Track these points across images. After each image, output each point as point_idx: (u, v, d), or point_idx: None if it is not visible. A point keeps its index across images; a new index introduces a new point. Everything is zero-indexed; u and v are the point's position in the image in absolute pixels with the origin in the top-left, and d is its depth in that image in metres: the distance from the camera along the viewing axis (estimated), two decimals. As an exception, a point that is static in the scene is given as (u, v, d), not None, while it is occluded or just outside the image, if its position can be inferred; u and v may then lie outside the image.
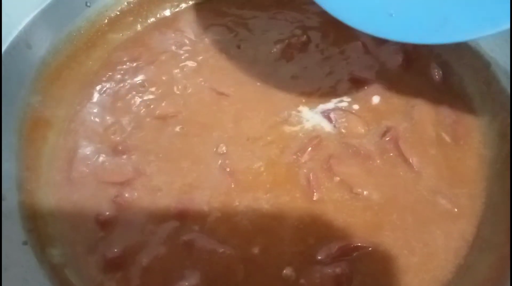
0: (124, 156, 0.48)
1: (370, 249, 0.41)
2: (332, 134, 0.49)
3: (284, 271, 0.40)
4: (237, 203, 0.44)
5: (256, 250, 0.41)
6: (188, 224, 0.43)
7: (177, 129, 0.50)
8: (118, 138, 0.50)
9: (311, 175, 0.45)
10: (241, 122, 0.50)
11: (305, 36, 0.58)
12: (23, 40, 0.51)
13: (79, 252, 0.43)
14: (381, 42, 0.56)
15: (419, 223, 0.42)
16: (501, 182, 0.44)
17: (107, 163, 0.48)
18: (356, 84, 0.53)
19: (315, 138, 0.48)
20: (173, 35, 0.61)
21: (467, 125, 0.49)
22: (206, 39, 0.60)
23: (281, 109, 0.51)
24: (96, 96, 0.55)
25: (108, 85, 0.56)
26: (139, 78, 0.56)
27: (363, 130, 0.49)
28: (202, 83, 0.54)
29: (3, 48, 0.49)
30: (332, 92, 0.52)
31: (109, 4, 0.60)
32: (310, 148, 0.47)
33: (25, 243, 0.42)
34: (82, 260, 0.43)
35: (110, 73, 0.57)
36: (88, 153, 0.49)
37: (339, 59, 0.56)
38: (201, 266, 0.41)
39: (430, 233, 0.42)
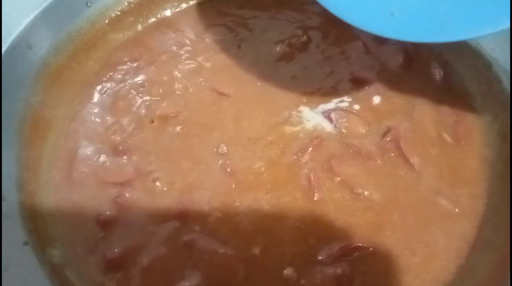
0: (125, 156, 0.48)
1: (371, 249, 0.41)
2: (333, 134, 0.49)
3: (285, 271, 0.40)
4: (237, 204, 0.44)
5: (256, 251, 0.41)
6: (188, 225, 0.43)
7: (178, 129, 0.50)
8: (118, 138, 0.50)
9: (311, 176, 0.45)
10: (241, 122, 0.50)
11: (305, 36, 0.58)
12: (24, 40, 0.51)
13: (80, 253, 0.43)
14: (382, 42, 0.56)
15: (420, 223, 0.42)
16: (502, 182, 0.44)
17: (107, 163, 0.48)
18: (357, 84, 0.53)
19: (316, 138, 0.48)
20: (173, 35, 0.61)
21: (468, 125, 0.49)
22: (206, 39, 0.60)
23: (282, 109, 0.51)
24: (96, 96, 0.55)
25: (108, 85, 0.56)
26: (139, 78, 0.56)
27: (364, 130, 0.48)
28: (203, 83, 0.54)
29: (4, 48, 0.49)
30: (332, 92, 0.52)
31: (110, 4, 0.60)
32: (310, 148, 0.47)
33: (25, 243, 0.42)
34: (83, 260, 0.43)
35: (111, 73, 0.57)
36: (88, 153, 0.49)
37: (340, 59, 0.56)
38: (202, 266, 0.41)
39: (431, 233, 0.42)
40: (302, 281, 0.40)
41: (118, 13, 0.61)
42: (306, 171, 0.46)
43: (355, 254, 0.41)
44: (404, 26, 0.43)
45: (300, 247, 0.41)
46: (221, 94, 0.53)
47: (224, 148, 0.48)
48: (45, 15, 0.53)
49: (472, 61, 0.51)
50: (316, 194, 0.44)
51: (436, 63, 0.53)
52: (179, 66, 0.57)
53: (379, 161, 0.46)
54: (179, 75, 0.56)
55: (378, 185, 0.44)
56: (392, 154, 0.47)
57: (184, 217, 0.44)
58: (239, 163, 0.47)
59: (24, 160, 0.48)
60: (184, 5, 0.65)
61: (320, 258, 0.41)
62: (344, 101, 0.51)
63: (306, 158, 0.46)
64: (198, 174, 0.47)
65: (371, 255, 0.41)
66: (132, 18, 0.62)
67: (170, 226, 0.43)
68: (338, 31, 0.57)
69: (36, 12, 0.52)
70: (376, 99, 0.51)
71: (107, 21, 0.60)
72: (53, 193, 0.47)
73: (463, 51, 0.51)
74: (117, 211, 0.45)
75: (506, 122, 0.46)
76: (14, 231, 0.43)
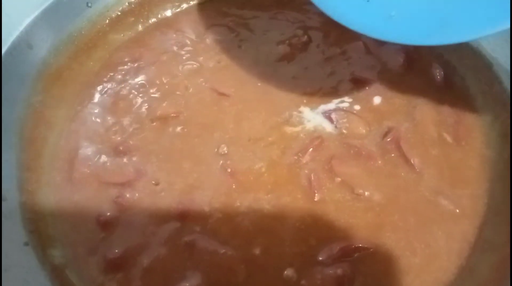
0: (125, 157, 0.48)
1: (371, 250, 0.41)
2: (333, 134, 0.49)
3: (285, 272, 0.40)
4: (238, 204, 0.44)
5: (257, 251, 0.41)
6: (189, 225, 0.43)
7: (178, 129, 0.50)
8: (119, 139, 0.50)
9: (312, 176, 0.45)
10: (242, 123, 0.50)
11: (306, 36, 0.58)
12: (24, 41, 0.51)
13: (80, 253, 0.43)
14: (383, 42, 0.55)
15: (420, 224, 0.42)
16: (503, 182, 0.44)
17: (108, 164, 0.48)
18: (358, 84, 0.53)
19: (316, 139, 0.48)
20: (174, 35, 0.61)
21: (469, 126, 0.49)
22: (207, 39, 0.60)
23: (282, 110, 0.51)
24: (97, 97, 0.55)
25: (109, 86, 0.56)
26: (140, 79, 0.56)
27: (364, 131, 0.48)
28: (203, 83, 0.54)
29: (4, 49, 0.49)
30: (333, 93, 0.52)
31: (110, 4, 0.60)
32: (311, 149, 0.47)
33: (26, 244, 0.42)
34: (83, 261, 0.43)
35: (111, 74, 0.57)
36: (89, 153, 0.49)
37: (340, 59, 0.56)
38: (202, 267, 0.41)
39: (432, 234, 0.42)
40: (303, 282, 0.40)
41: (119, 13, 0.61)
42: (306, 171, 0.46)
43: (356, 255, 0.41)
44: (403, 29, 0.43)
45: (300, 248, 0.41)
46: (222, 94, 0.53)
47: (225, 148, 0.48)
48: (46, 15, 0.53)
49: (473, 61, 0.51)
50: (316, 194, 0.44)
51: (437, 63, 0.53)
52: (180, 66, 0.57)
53: (379, 162, 0.46)
54: (180, 75, 0.56)
55: (379, 185, 0.44)
56: (392, 155, 0.47)
57: (185, 218, 0.44)
58: (239, 163, 0.47)
59: (25, 160, 0.48)
60: (184, 5, 0.65)
61: (320, 258, 0.41)
62: (345, 102, 0.51)
63: (306, 158, 0.46)
64: (199, 175, 0.47)
65: (371, 255, 0.41)
66: (133, 19, 0.62)
67: (171, 227, 0.43)
68: (339, 31, 0.56)
69: (36, 12, 0.52)
70: (377, 100, 0.51)
71: (107, 21, 0.60)
72: (54, 193, 0.47)
73: (464, 51, 0.51)
74: (118, 212, 0.45)
75: (507, 122, 0.46)
76: (15, 231, 0.43)
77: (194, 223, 0.43)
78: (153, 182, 0.46)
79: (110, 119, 0.52)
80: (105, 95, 0.55)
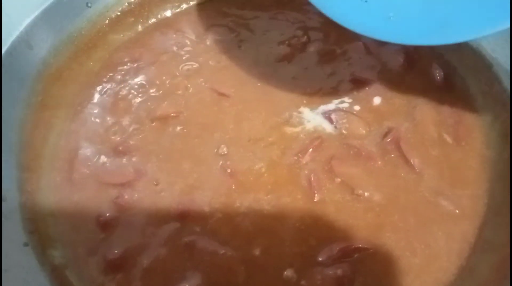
0: (125, 157, 0.48)
1: (371, 250, 0.41)
2: (333, 135, 0.49)
3: (285, 272, 0.40)
4: (238, 204, 0.44)
5: (257, 252, 0.41)
6: (189, 225, 0.43)
7: (178, 129, 0.50)
8: (118, 139, 0.50)
9: (312, 176, 0.45)
10: (242, 123, 0.50)
11: (306, 37, 0.58)
12: (24, 41, 0.51)
13: (80, 254, 0.43)
14: (383, 42, 0.55)
15: (420, 224, 0.42)
16: (503, 183, 0.44)
17: (108, 164, 0.48)
18: (357, 84, 0.53)
19: (316, 139, 0.48)
20: (174, 35, 0.61)
21: (469, 126, 0.48)
22: (207, 39, 0.60)
23: (282, 110, 0.51)
24: (96, 97, 0.55)
25: (108, 86, 0.56)
26: (140, 79, 0.56)
27: (364, 131, 0.48)
28: (203, 83, 0.54)
29: (4, 49, 0.49)
30: (333, 93, 0.52)
31: (110, 4, 0.60)
32: (311, 149, 0.47)
33: (25, 244, 0.42)
34: (83, 261, 0.43)
35: (111, 74, 0.57)
36: (88, 154, 0.49)
37: (340, 59, 0.56)
38: (202, 267, 0.41)
39: (432, 234, 0.42)
40: (302, 282, 0.40)
41: (119, 13, 0.61)
42: (306, 172, 0.46)
43: (356, 255, 0.41)
44: (402, 30, 0.43)
45: (300, 248, 0.41)
46: (222, 94, 0.53)
47: (225, 148, 0.48)
48: (46, 16, 0.53)
49: (473, 62, 0.51)
50: (316, 195, 0.44)
51: (437, 63, 0.53)
52: (180, 67, 0.57)
53: (379, 162, 0.46)
54: (180, 76, 0.56)
55: (379, 186, 0.44)
56: (392, 155, 0.46)
57: (185, 218, 0.44)
58: (239, 163, 0.47)
59: (24, 160, 0.48)
60: (184, 6, 0.65)
61: (320, 259, 0.41)
62: (345, 102, 0.51)
63: (306, 159, 0.46)
64: (199, 175, 0.47)
65: (371, 256, 0.41)
66: (133, 19, 0.62)
67: (171, 227, 0.43)
68: (339, 31, 0.56)
69: (36, 13, 0.52)
70: (377, 100, 0.51)
71: (107, 21, 0.60)
72: (54, 194, 0.47)
73: (464, 52, 0.51)
74: (118, 212, 0.45)
75: (507, 122, 0.46)
76: (15, 232, 0.42)
77: (194, 223, 0.43)
78: (153, 182, 0.46)
79: (110, 119, 0.52)
80: (105, 96, 0.55)
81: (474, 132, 0.48)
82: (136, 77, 0.56)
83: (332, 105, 0.51)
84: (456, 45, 0.50)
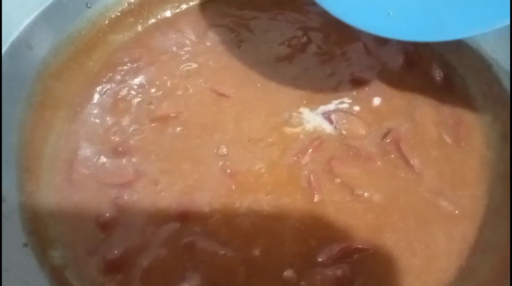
0: (125, 158, 0.48)
1: (371, 251, 0.41)
2: (333, 135, 0.49)
3: (285, 273, 0.40)
4: (238, 205, 0.44)
5: (257, 252, 0.41)
6: (189, 226, 0.43)
7: (178, 130, 0.50)
8: (118, 139, 0.50)
9: (312, 177, 0.45)
10: (242, 124, 0.50)
11: (306, 37, 0.58)
12: (24, 41, 0.51)
13: (80, 254, 0.43)
14: (383, 43, 0.56)
15: (420, 225, 0.42)
16: (503, 183, 0.44)
17: (107, 165, 0.48)
18: (357, 85, 0.53)
19: (316, 140, 0.48)
20: (173, 36, 0.61)
21: (469, 126, 0.48)
22: (207, 40, 0.60)
23: (282, 111, 0.51)
24: (96, 97, 0.55)
25: (108, 86, 0.56)
26: (139, 79, 0.56)
27: (364, 132, 0.48)
28: (203, 84, 0.54)
29: (4, 49, 0.49)
30: (333, 93, 0.52)
31: (110, 5, 0.60)
32: (311, 150, 0.47)
33: (25, 245, 0.42)
34: (83, 262, 0.43)
35: (111, 74, 0.57)
36: (88, 154, 0.49)
37: (340, 60, 0.56)
38: (202, 268, 0.41)
39: (432, 235, 0.42)
40: (302, 283, 0.40)
41: (118, 14, 0.61)
42: (306, 172, 0.46)
43: (356, 256, 0.41)
44: (402, 26, 0.43)
45: (300, 249, 0.41)
46: (222, 95, 0.53)
47: (224, 149, 0.48)
48: (46, 16, 0.53)
49: (473, 62, 0.51)
50: (316, 195, 0.44)
51: (437, 64, 0.53)
52: (179, 67, 0.57)
53: (379, 163, 0.46)
54: (179, 76, 0.56)
55: (379, 186, 0.44)
56: (392, 156, 0.46)
57: (184, 219, 0.44)
58: (239, 164, 0.47)
59: (24, 161, 0.48)
60: (184, 6, 0.65)
61: (320, 259, 0.40)
62: (345, 103, 0.51)
63: (306, 159, 0.46)
64: (199, 175, 0.47)
65: (371, 256, 0.41)
66: (132, 19, 0.62)
67: (170, 228, 0.43)
68: (339, 32, 0.57)
69: (36, 13, 0.52)
70: (377, 100, 0.51)
71: (107, 22, 0.60)
72: (53, 194, 0.47)
73: (463, 52, 0.51)
74: (117, 213, 0.44)
75: (507, 123, 0.46)
76: (14, 232, 0.42)
77: (193, 224, 0.43)
78: (153, 182, 0.46)
79: (109, 120, 0.52)
80: (105, 96, 0.55)
81: (474, 132, 0.48)
82: (136, 78, 0.56)
83: (332, 105, 0.51)
84: (456, 45, 0.50)
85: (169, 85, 0.55)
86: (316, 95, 0.52)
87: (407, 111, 0.50)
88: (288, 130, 0.49)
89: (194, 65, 0.57)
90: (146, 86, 0.55)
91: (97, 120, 0.52)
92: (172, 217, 0.44)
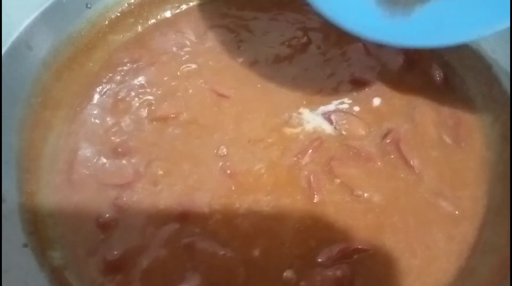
0: (125, 158, 0.48)
1: (371, 251, 0.41)
2: (333, 136, 0.49)
3: (285, 273, 0.40)
4: (237, 205, 0.44)
5: (256, 253, 0.41)
6: (188, 227, 0.43)
7: (178, 130, 0.50)
8: (118, 140, 0.50)
9: (311, 177, 0.45)
10: (241, 124, 0.50)
11: (306, 38, 0.58)
12: (24, 41, 0.51)
13: (80, 255, 0.43)
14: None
15: (420, 225, 0.42)
16: (503, 184, 0.44)
17: (107, 165, 0.48)
18: (357, 85, 0.53)
19: (316, 140, 0.48)
20: (173, 36, 0.61)
21: (469, 127, 0.48)
22: (206, 40, 0.60)
23: (282, 111, 0.51)
24: (96, 98, 0.55)
25: (108, 87, 0.56)
26: (139, 79, 0.56)
27: (364, 132, 0.48)
28: (203, 84, 0.54)
29: (4, 49, 0.49)
30: (333, 94, 0.52)
31: (110, 5, 0.60)
32: (310, 150, 0.47)
33: (25, 245, 0.42)
34: (83, 262, 0.43)
35: (111, 74, 0.57)
36: (88, 155, 0.49)
37: (340, 60, 0.56)
38: (202, 268, 0.41)
39: (432, 235, 0.42)
40: (302, 283, 0.40)
41: (118, 14, 0.61)
42: (306, 173, 0.46)
43: (355, 256, 0.41)
44: (401, 31, 0.43)
45: (300, 249, 0.41)
46: (221, 95, 0.53)
47: (224, 149, 0.48)
48: (45, 16, 0.53)
49: (473, 63, 0.51)
50: (316, 196, 0.44)
51: (437, 64, 0.53)
52: (179, 67, 0.56)
53: (379, 163, 0.46)
54: (179, 76, 0.56)
55: (378, 187, 0.44)
56: (392, 156, 0.46)
57: (184, 219, 0.44)
58: (239, 164, 0.47)
59: (24, 161, 0.48)
60: (184, 6, 0.65)
61: (320, 260, 0.41)
62: (344, 103, 0.51)
63: (306, 160, 0.46)
64: (198, 176, 0.47)
65: (371, 257, 0.41)
66: (132, 19, 0.62)
67: (170, 228, 0.43)
68: (339, 32, 0.56)
69: (36, 13, 0.52)
70: (376, 101, 0.51)
71: (107, 22, 0.60)
72: (53, 194, 0.47)
73: (463, 53, 0.51)
74: (117, 213, 0.44)
75: (507, 123, 0.46)
76: (14, 233, 0.42)
77: (193, 224, 0.43)
78: (153, 183, 0.46)
79: (109, 120, 0.52)
80: (105, 96, 0.55)
81: (474, 133, 0.48)
82: (135, 78, 0.56)
83: (331, 106, 0.51)
84: (456, 46, 0.50)
85: (169, 85, 0.55)
86: (316, 95, 0.52)
87: (407, 112, 0.50)
88: (288, 130, 0.49)
89: (194, 66, 0.57)
90: (146, 87, 0.55)
91: (97, 121, 0.52)
92: (172, 218, 0.44)
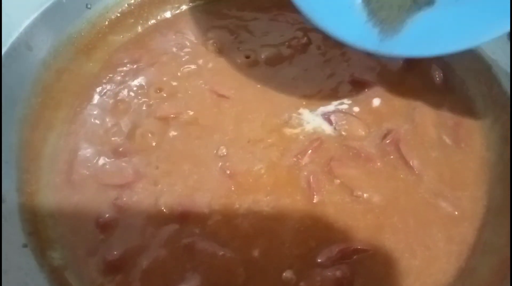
0: (125, 158, 0.48)
1: (370, 252, 0.41)
2: (333, 136, 0.49)
3: (284, 274, 0.40)
4: (237, 206, 0.44)
5: (256, 253, 0.41)
6: (188, 227, 0.43)
7: (178, 131, 0.50)
8: (118, 140, 0.50)
9: (311, 178, 0.45)
10: (241, 125, 0.50)
11: (306, 38, 0.58)
12: (24, 42, 0.51)
13: (79, 255, 0.43)
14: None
15: (420, 226, 0.42)
16: (502, 184, 0.44)
17: (107, 166, 0.48)
18: (357, 86, 0.53)
19: (316, 141, 0.48)
20: (173, 37, 0.61)
21: (469, 127, 0.49)
22: (206, 41, 0.60)
23: (282, 111, 0.51)
24: (96, 98, 0.55)
25: (108, 87, 0.56)
26: (139, 80, 0.56)
27: (363, 133, 0.48)
28: (203, 85, 0.54)
29: (4, 50, 0.49)
30: (332, 94, 0.52)
31: (110, 5, 0.60)
32: (310, 151, 0.47)
33: (25, 245, 0.42)
34: (82, 262, 0.43)
35: (111, 75, 0.57)
36: (88, 155, 0.49)
37: (340, 61, 0.56)
38: (202, 269, 0.41)
39: (432, 236, 0.42)
40: (302, 284, 0.39)
41: (118, 14, 0.61)
42: (306, 173, 0.46)
43: (355, 257, 0.41)
44: (398, 42, 0.42)
45: (299, 250, 0.41)
46: (221, 96, 0.53)
47: (224, 150, 0.48)
48: (45, 17, 0.53)
49: (473, 63, 0.51)
50: (315, 196, 0.44)
51: (437, 65, 0.53)
52: (179, 68, 0.56)
53: (379, 164, 0.46)
54: (179, 77, 0.56)
55: (378, 187, 0.44)
56: (392, 157, 0.46)
57: (184, 220, 0.44)
58: (239, 165, 0.47)
59: (24, 161, 0.48)
60: (184, 7, 0.65)
61: (319, 260, 0.40)
62: (344, 104, 0.51)
63: (305, 160, 0.46)
64: (198, 176, 0.46)
65: (371, 257, 0.41)
66: (132, 20, 0.62)
67: (170, 229, 0.43)
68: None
69: (36, 14, 0.52)
70: (376, 101, 0.51)
71: (107, 22, 0.60)
72: (53, 195, 0.47)
73: (463, 53, 0.50)
74: (117, 214, 0.44)
75: (507, 124, 0.46)
76: (14, 233, 0.42)
77: (193, 225, 0.43)
78: (153, 183, 0.46)
79: (109, 121, 0.52)
80: (105, 97, 0.55)
81: (474, 133, 0.48)
82: (135, 78, 0.56)
83: (331, 106, 0.51)
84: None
85: (169, 86, 0.55)
86: (316, 96, 0.52)
87: (407, 112, 0.50)
88: (288, 131, 0.49)
89: (194, 66, 0.57)
90: (146, 87, 0.55)
91: (97, 121, 0.52)
92: (171, 218, 0.44)
